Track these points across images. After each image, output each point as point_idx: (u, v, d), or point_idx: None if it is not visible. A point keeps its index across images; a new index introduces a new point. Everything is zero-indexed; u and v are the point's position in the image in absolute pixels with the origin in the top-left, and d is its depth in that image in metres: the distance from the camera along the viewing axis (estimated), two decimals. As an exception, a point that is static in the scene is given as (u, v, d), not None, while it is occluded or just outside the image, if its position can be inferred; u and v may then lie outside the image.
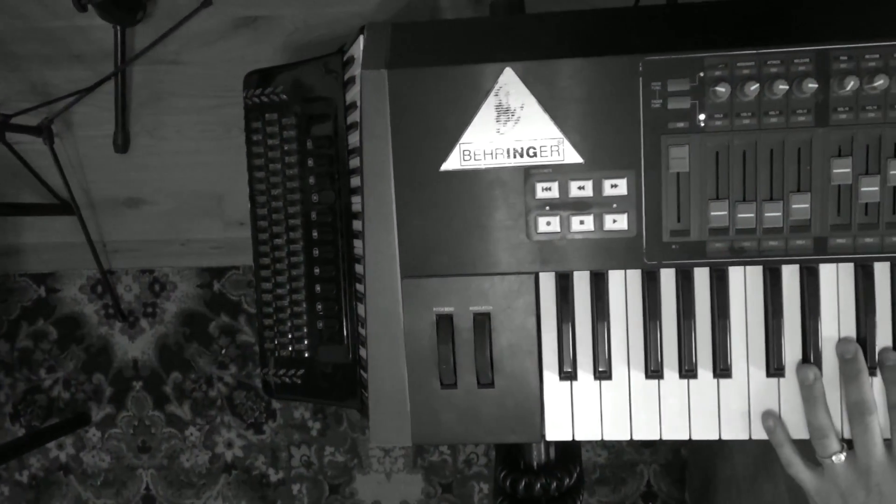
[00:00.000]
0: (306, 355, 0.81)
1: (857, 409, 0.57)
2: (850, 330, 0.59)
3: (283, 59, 1.14)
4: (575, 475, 0.67)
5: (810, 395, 0.58)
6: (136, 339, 1.35)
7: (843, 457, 0.57)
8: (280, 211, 0.82)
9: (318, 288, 0.79)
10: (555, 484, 0.65)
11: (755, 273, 0.60)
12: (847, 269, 0.59)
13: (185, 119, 1.27)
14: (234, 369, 1.33)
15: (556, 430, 0.62)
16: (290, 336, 0.83)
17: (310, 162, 0.77)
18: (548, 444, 0.67)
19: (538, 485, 0.64)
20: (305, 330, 0.81)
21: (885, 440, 0.57)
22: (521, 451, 0.67)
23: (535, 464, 0.66)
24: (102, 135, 1.27)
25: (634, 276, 0.60)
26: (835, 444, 0.58)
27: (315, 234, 0.78)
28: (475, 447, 1.33)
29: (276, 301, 0.83)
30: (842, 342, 0.58)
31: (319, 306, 0.79)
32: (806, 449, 0.60)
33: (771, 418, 0.59)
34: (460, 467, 1.34)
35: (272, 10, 1.24)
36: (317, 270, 0.79)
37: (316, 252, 0.79)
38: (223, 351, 1.34)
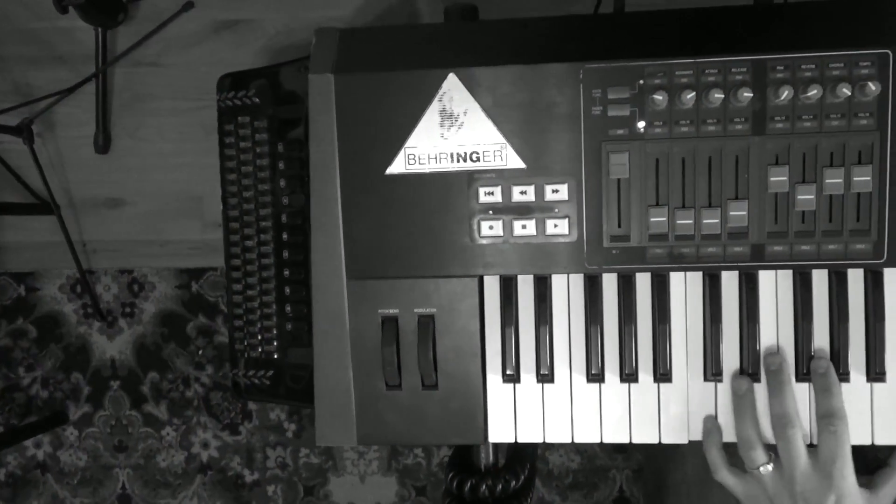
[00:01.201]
0: (275, 357, 0.82)
1: (779, 422, 0.58)
2: (788, 336, 0.60)
3: (263, 63, 1.15)
4: (523, 478, 0.67)
5: (740, 407, 0.59)
6: (114, 339, 1.36)
7: (769, 468, 0.58)
8: (251, 213, 0.83)
9: (287, 290, 0.80)
10: (500, 486, 0.65)
11: (695, 279, 0.60)
12: (786, 276, 0.60)
13: (166, 121, 1.29)
14: (210, 370, 1.34)
15: (499, 432, 0.62)
16: (259, 337, 0.83)
17: (281, 165, 0.77)
18: (496, 446, 0.67)
19: (483, 486, 0.65)
20: (275, 331, 0.82)
21: (812, 447, 0.58)
22: (471, 453, 0.68)
23: (483, 465, 0.67)
24: (83, 135, 1.28)
25: (577, 280, 0.61)
26: (761, 456, 0.58)
27: (285, 236, 0.79)
28: (448, 450, 1.34)
29: (246, 302, 0.84)
30: (768, 354, 0.59)
31: (289, 308, 0.80)
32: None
33: (706, 423, 0.60)
34: (434, 470, 1.35)
35: (253, 14, 1.25)
36: (286, 272, 0.80)
37: (286, 254, 0.79)
38: (200, 352, 1.35)
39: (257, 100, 0.77)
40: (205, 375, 1.36)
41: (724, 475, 0.60)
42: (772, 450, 0.59)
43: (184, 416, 1.37)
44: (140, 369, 1.37)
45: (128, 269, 1.36)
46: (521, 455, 0.70)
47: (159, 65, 1.29)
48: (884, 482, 0.59)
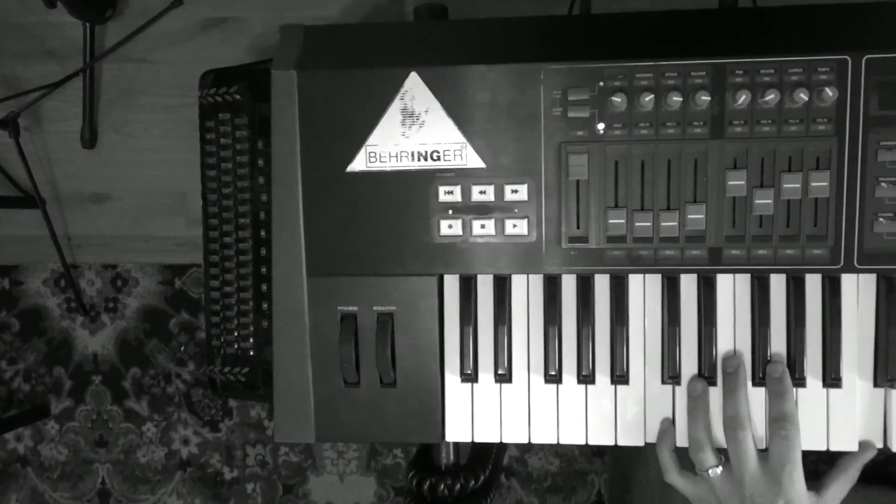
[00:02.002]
0: (251, 354, 0.82)
1: (730, 424, 0.58)
2: (745, 340, 0.60)
3: (250, 61, 1.16)
4: (483, 477, 0.67)
5: (694, 409, 0.59)
6: (96, 334, 1.36)
7: (718, 470, 0.58)
8: (230, 210, 0.83)
9: (264, 287, 0.80)
10: (459, 486, 0.65)
11: (654, 281, 0.60)
12: (744, 280, 0.60)
13: (152, 117, 1.29)
14: (192, 366, 1.34)
15: (456, 431, 0.62)
16: (236, 334, 0.83)
17: (260, 162, 0.77)
18: (458, 445, 0.68)
19: (442, 485, 0.65)
20: (251, 328, 0.82)
21: (763, 451, 0.58)
22: (433, 452, 0.68)
23: (443, 465, 0.67)
24: (70, 130, 1.29)
25: (536, 281, 0.61)
26: (710, 459, 0.58)
27: (263, 233, 0.79)
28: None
29: (223, 299, 0.84)
30: (726, 357, 0.59)
31: (265, 305, 0.80)
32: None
33: (661, 425, 0.60)
34: (413, 471, 1.35)
35: (241, 12, 1.26)
36: (264, 270, 0.80)
37: (263, 251, 0.79)
38: (182, 348, 1.35)
39: (238, 97, 0.77)
40: (186, 372, 1.36)
41: (675, 477, 0.60)
42: (724, 454, 0.59)
43: (165, 412, 1.37)
44: (122, 364, 1.37)
45: (112, 264, 1.36)
46: (483, 455, 0.70)
47: (147, 61, 1.30)
48: (831, 485, 0.59)
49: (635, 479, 0.77)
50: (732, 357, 0.59)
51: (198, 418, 1.36)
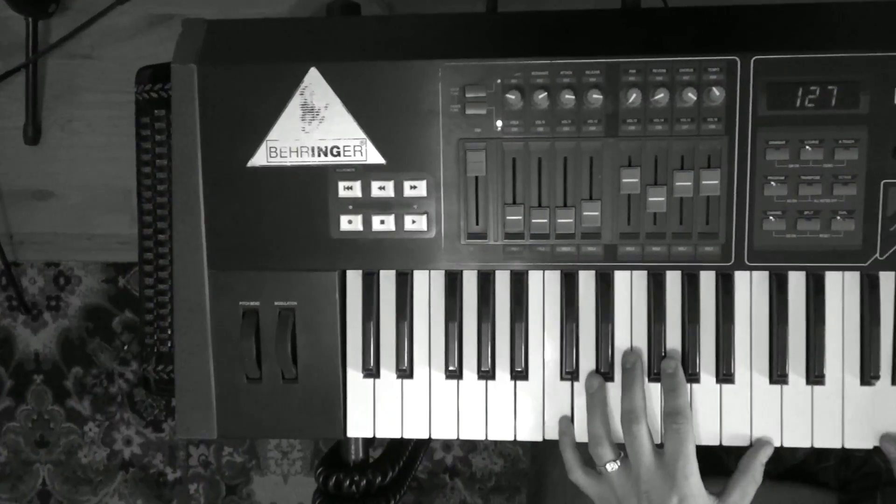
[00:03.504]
0: (184, 352, 0.81)
1: (626, 418, 0.58)
2: (642, 336, 0.61)
3: (196, 59, 1.15)
4: (391, 475, 0.67)
5: (591, 404, 0.59)
6: (38, 332, 1.35)
7: (616, 465, 0.59)
8: (164, 207, 0.82)
9: (197, 285, 0.79)
10: (365, 482, 0.65)
11: (553, 278, 0.61)
12: (641, 277, 0.61)
13: (98, 113, 1.28)
14: (135, 366, 1.33)
15: (358, 427, 0.63)
16: (170, 332, 0.83)
17: None
18: (369, 442, 0.68)
19: (347, 482, 0.65)
20: (185, 326, 0.81)
21: (660, 445, 0.59)
22: (343, 449, 0.68)
23: (350, 461, 0.67)
24: (12, 126, 1.27)
25: (438, 276, 0.62)
26: (608, 453, 0.59)
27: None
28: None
29: (157, 296, 0.83)
30: (625, 353, 0.60)
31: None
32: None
33: (562, 423, 0.60)
34: (357, 471, 1.35)
35: (188, 9, 1.24)
36: (197, 267, 0.79)
37: (197, 249, 0.79)
38: (125, 347, 1.34)
39: (174, 93, 0.76)
40: (129, 371, 1.35)
41: (578, 475, 0.61)
42: (624, 450, 0.59)
43: (107, 412, 1.36)
44: (64, 364, 1.36)
45: (54, 262, 1.35)
46: (394, 452, 0.70)
47: (92, 57, 1.28)
48: (734, 488, 0.59)
49: (549, 476, 0.78)
50: (630, 353, 0.60)
51: (140, 418, 1.35)
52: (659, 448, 0.59)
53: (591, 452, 0.59)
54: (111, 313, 1.33)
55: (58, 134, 1.30)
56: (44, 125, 1.29)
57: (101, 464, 1.36)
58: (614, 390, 0.60)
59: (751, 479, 0.59)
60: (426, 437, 0.62)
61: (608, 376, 0.60)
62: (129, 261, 1.34)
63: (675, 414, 0.58)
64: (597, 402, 0.59)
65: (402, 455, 0.71)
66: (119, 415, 1.35)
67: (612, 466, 0.59)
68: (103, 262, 1.34)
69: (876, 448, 0.59)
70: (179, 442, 1.35)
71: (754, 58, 0.56)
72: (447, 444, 1.33)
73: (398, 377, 0.62)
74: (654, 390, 0.60)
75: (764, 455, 0.60)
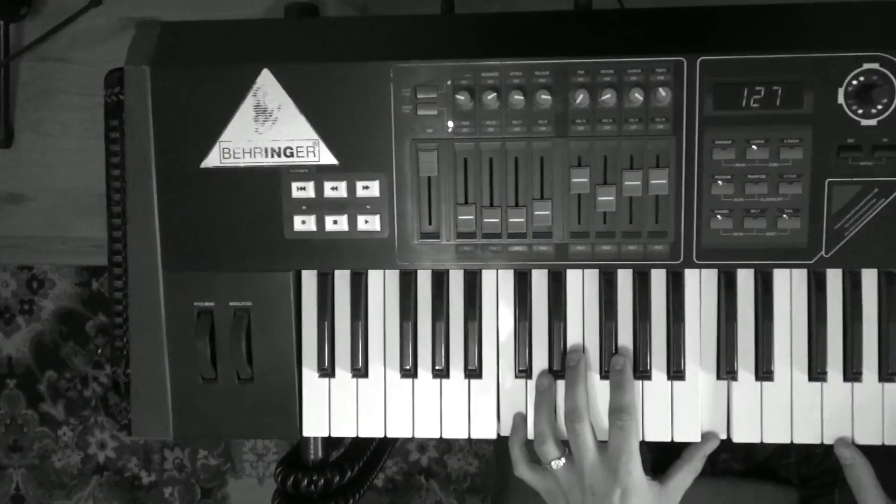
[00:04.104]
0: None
1: (569, 417, 0.59)
2: (594, 334, 0.61)
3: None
4: (350, 474, 0.68)
5: (539, 402, 0.60)
6: (11, 336, 1.34)
7: (561, 462, 0.59)
8: None
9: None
10: (322, 482, 0.65)
11: (506, 277, 0.62)
12: (592, 276, 0.61)
13: (71, 116, 1.27)
14: (109, 369, 1.33)
15: (314, 427, 0.63)
16: None
17: None
18: (328, 441, 0.68)
19: (305, 482, 0.65)
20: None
21: (604, 442, 0.59)
22: (303, 449, 0.68)
23: (310, 460, 0.67)
24: (-16, 129, 1.27)
25: (393, 276, 0.62)
26: (553, 451, 0.59)
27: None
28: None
29: (126, 299, 0.83)
30: (569, 350, 0.60)
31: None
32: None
33: (514, 419, 0.61)
34: (333, 473, 1.35)
35: (162, 12, 1.24)
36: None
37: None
38: (99, 350, 1.34)
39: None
40: (103, 375, 1.34)
41: (524, 470, 0.61)
42: (569, 447, 0.60)
43: (81, 415, 1.35)
44: (37, 367, 1.35)
45: (27, 265, 1.34)
46: (355, 452, 0.71)
47: (66, 60, 1.28)
48: (675, 474, 0.60)
49: (511, 476, 0.78)
50: (574, 351, 0.60)
51: (115, 422, 1.35)
52: (603, 444, 0.59)
53: (537, 450, 0.60)
54: (85, 316, 1.33)
55: (31, 137, 1.30)
56: (16, 128, 1.29)
57: (75, 468, 1.35)
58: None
59: (691, 468, 0.60)
60: (381, 435, 0.63)
61: (560, 374, 0.61)
62: (103, 264, 1.33)
63: (619, 411, 0.58)
64: (545, 401, 0.60)
65: (363, 454, 0.71)
66: (93, 419, 1.34)
67: (556, 464, 0.59)
68: (77, 266, 1.33)
69: (831, 445, 0.60)
70: (154, 445, 1.35)
71: (700, 58, 0.57)
72: (422, 445, 1.33)
73: (353, 377, 0.62)
74: (604, 388, 0.61)
75: (709, 448, 0.61)
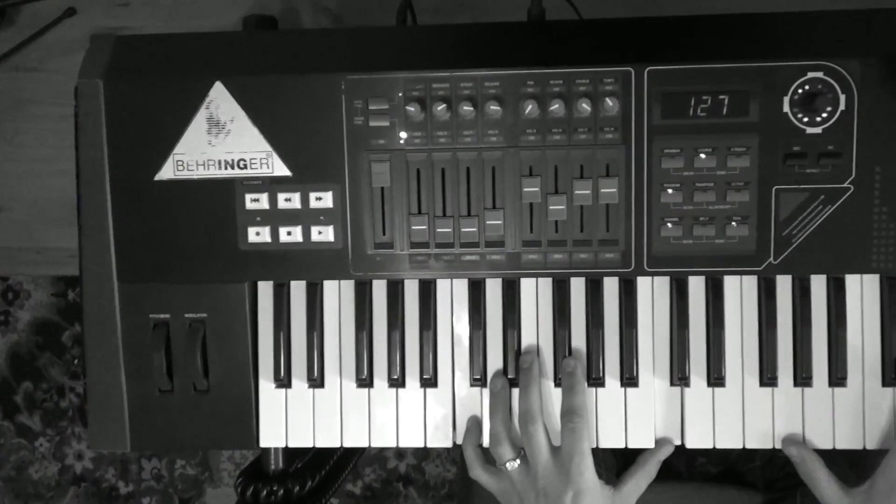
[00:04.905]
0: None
1: (523, 419, 0.59)
2: (548, 342, 0.62)
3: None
4: (310, 484, 0.68)
5: (493, 404, 0.60)
6: (-13, 348, 1.34)
7: (515, 464, 0.60)
8: None
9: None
10: (282, 492, 0.65)
11: (461, 285, 0.62)
12: (546, 284, 0.62)
13: (46, 126, 1.27)
14: (84, 380, 1.33)
15: (271, 437, 0.63)
16: None
17: None
18: (288, 451, 0.68)
19: (265, 492, 0.65)
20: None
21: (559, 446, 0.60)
22: (262, 459, 0.68)
23: (270, 470, 0.67)
24: (-42, 140, 1.26)
25: (348, 286, 0.62)
26: (508, 452, 0.60)
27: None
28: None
29: None
30: (522, 353, 0.61)
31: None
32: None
33: (468, 422, 0.61)
34: (311, 481, 1.34)
35: (135, 22, 1.25)
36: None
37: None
38: (76, 361, 1.34)
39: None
40: (80, 385, 1.34)
41: (479, 472, 0.62)
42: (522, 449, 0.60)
43: (58, 426, 1.35)
44: (13, 378, 1.34)
45: (3, 276, 1.34)
46: (317, 462, 0.71)
47: (40, 70, 1.27)
48: (628, 479, 0.60)
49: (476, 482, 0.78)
50: (527, 353, 0.61)
51: (92, 432, 1.34)
52: (558, 447, 0.59)
53: (492, 451, 0.60)
54: (61, 327, 1.32)
55: (5, 147, 1.29)
56: (-9, 138, 1.29)
57: (52, 479, 1.35)
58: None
59: (645, 473, 0.61)
60: (338, 445, 0.63)
61: (515, 382, 0.61)
62: (78, 274, 1.34)
63: (570, 413, 0.59)
64: (499, 403, 0.60)
65: (325, 463, 0.71)
66: (70, 429, 1.34)
67: (511, 465, 0.60)
68: (53, 276, 1.33)
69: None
70: (131, 455, 1.34)
71: (648, 69, 0.58)
72: (400, 452, 1.33)
73: (310, 387, 0.63)
74: (558, 393, 0.61)
75: (663, 454, 0.61)
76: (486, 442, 0.61)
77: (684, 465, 1.15)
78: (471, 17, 0.77)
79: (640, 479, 0.61)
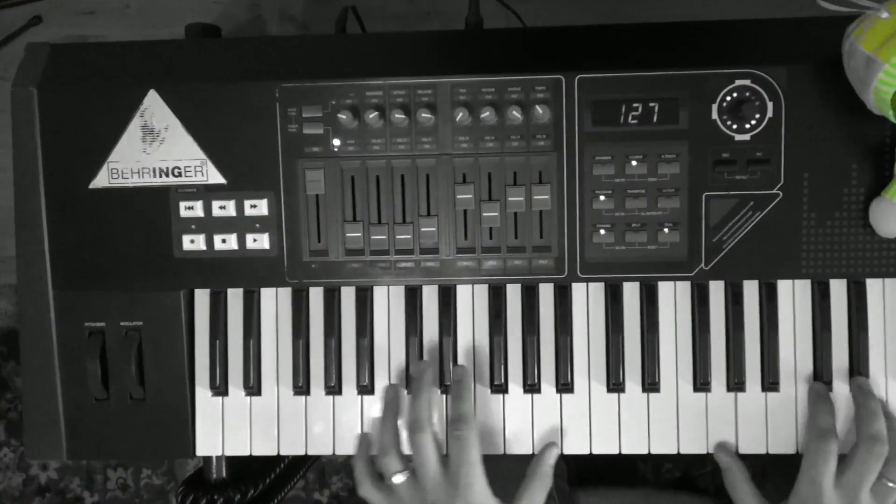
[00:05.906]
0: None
1: (411, 428, 0.58)
2: (484, 349, 0.62)
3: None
4: (251, 493, 0.67)
5: (385, 415, 0.59)
6: (-50, 358, 1.33)
7: (403, 477, 0.58)
8: None
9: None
10: (222, 500, 0.65)
11: (398, 292, 0.62)
12: (482, 290, 0.62)
13: (10, 136, 1.27)
14: (50, 389, 1.32)
15: (208, 446, 0.63)
16: None
17: None
18: (239, 460, 0.67)
19: (204, 501, 0.65)
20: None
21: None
22: (204, 468, 0.68)
23: (212, 479, 0.67)
24: (-79, 149, 1.26)
25: (285, 294, 0.62)
26: (395, 464, 0.58)
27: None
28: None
29: None
30: (413, 363, 0.61)
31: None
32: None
33: (360, 437, 0.61)
34: (278, 490, 1.34)
35: (101, 31, 1.24)
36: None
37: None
38: (40, 370, 1.33)
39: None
40: (44, 395, 1.33)
41: (367, 489, 0.59)
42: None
43: (22, 436, 1.33)
44: (-23, 389, 1.33)
45: (-33, 285, 1.32)
46: (261, 470, 0.70)
47: (5, 79, 1.27)
48: (522, 493, 0.58)
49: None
50: (421, 362, 0.60)
51: (56, 442, 1.33)
52: (447, 458, 0.58)
53: (379, 463, 0.58)
54: (26, 336, 1.32)
55: (-31, 156, 1.30)
56: (-46, 147, 1.29)
57: (16, 490, 1.34)
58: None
59: (538, 482, 0.58)
60: (275, 453, 0.63)
61: (448, 388, 0.61)
62: (44, 283, 1.33)
63: (457, 421, 0.57)
64: (389, 413, 0.59)
65: (268, 473, 0.71)
66: (34, 439, 1.33)
67: (398, 478, 0.58)
68: (16, 285, 1.32)
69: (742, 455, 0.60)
70: (96, 465, 1.33)
71: (578, 76, 0.58)
72: (368, 461, 1.32)
73: (246, 394, 0.62)
74: (495, 401, 0.61)
75: (549, 457, 0.59)
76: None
77: (651, 471, 1.15)
78: (439, 25, 0.77)
79: (535, 491, 0.58)
